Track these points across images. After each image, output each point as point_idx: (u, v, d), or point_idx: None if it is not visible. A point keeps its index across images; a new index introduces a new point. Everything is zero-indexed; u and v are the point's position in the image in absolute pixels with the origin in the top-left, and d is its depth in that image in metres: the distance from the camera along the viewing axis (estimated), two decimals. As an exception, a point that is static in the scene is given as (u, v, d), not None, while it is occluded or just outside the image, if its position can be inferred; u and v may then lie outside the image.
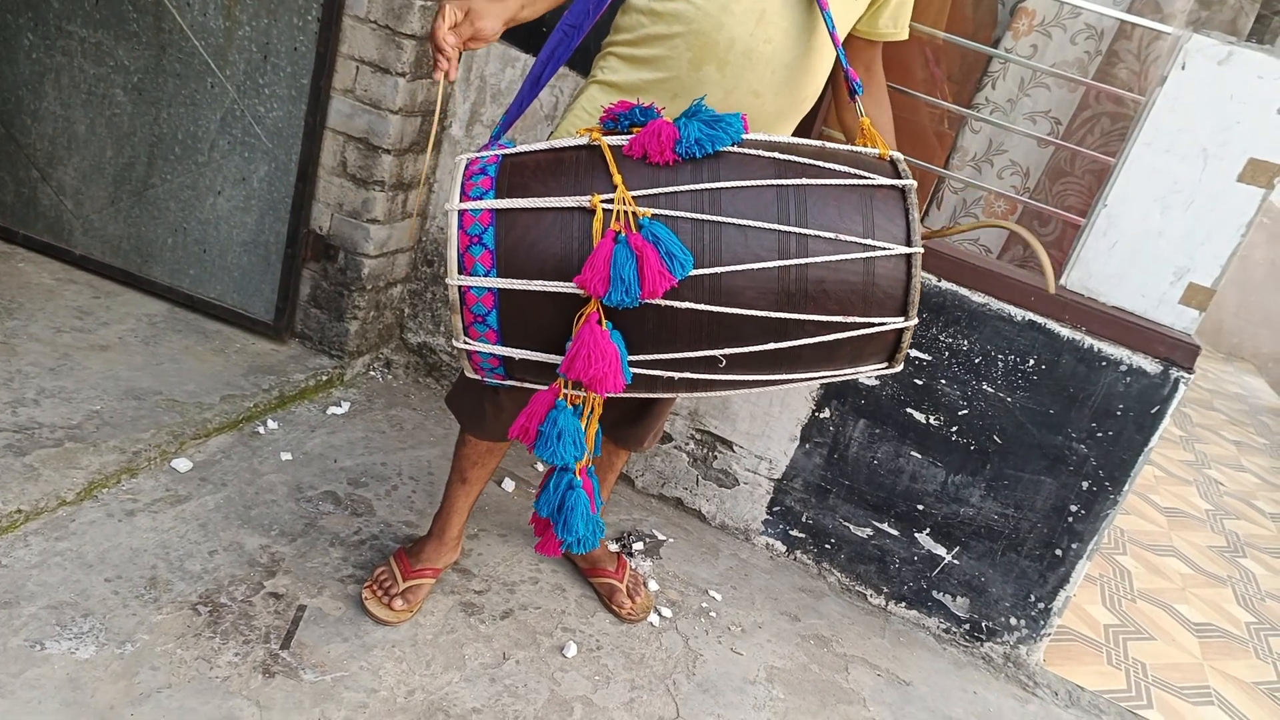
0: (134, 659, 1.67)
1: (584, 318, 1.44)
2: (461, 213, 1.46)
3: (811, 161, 1.51)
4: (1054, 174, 2.39)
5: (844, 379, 1.64)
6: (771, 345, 1.51)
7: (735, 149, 1.50)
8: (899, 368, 1.60)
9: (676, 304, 1.45)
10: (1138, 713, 2.40)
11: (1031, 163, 2.41)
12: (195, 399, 2.36)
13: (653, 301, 1.43)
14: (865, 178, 1.51)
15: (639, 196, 1.45)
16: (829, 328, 1.50)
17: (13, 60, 2.69)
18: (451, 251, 1.46)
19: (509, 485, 2.53)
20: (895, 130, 1.88)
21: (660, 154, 1.48)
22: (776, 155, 1.51)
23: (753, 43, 1.64)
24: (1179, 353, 2.16)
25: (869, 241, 1.47)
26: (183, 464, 2.18)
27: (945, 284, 2.28)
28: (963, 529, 2.41)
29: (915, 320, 1.51)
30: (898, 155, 1.58)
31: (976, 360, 2.30)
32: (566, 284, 1.44)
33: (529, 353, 1.52)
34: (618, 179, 1.46)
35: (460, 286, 1.46)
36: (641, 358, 1.50)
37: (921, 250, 1.49)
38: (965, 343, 2.30)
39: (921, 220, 1.87)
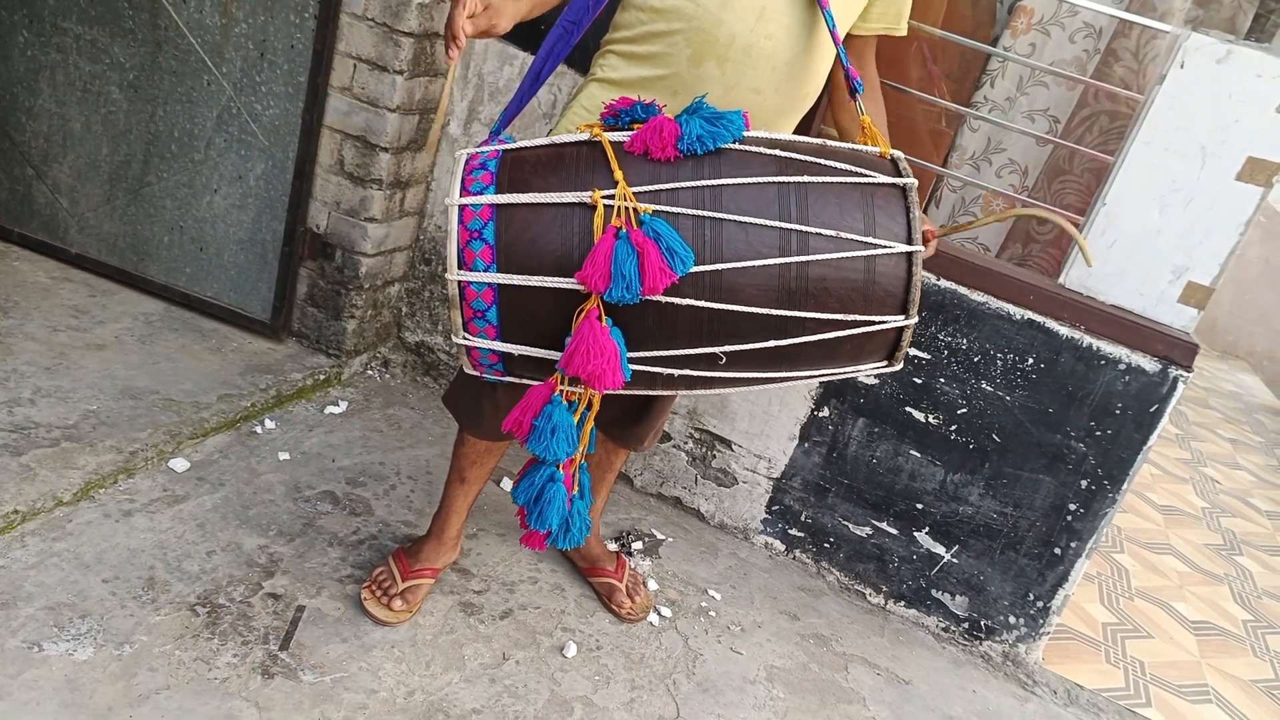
0: (132, 660, 1.66)
1: (584, 313, 1.44)
2: (461, 207, 1.46)
3: (812, 159, 1.51)
4: (1052, 172, 2.39)
5: (844, 377, 1.64)
6: (772, 343, 1.51)
7: (736, 146, 1.50)
8: (899, 366, 1.60)
9: (677, 300, 1.45)
10: (1137, 711, 2.40)
11: (1030, 161, 2.41)
12: (192, 398, 2.35)
13: (653, 298, 1.42)
14: (866, 176, 1.51)
15: (640, 192, 1.45)
16: (829, 325, 1.50)
17: (7, 57, 2.67)
18: (451, 246, 1.45)
19: (507, 484, 2.52)
20: (892, 128, 1.88)
21: (662, 150, 1.47)
22: (777, 153, 1.50)
23: (753, 39, 1.64)
24: (1178, 351, 2.16)
25: (870, 239, 1.47)
26: (180, 464, 2.17)
27: (944, 282, 2.28)
28: (962, 527, 2.41)
29: (916, 318, 1.51)
30: (898, 154, 1.58)
31: (975, 359, 2.30)
32: (567, 280, 1.44)
33: (528, 349, 1.52)
34: (619, 175, 1.46)
35: (460, 281, 1.46)
36: (641, 355, 1.50)
37: (922, 249, 1.49)
38: (964, 341, 2.30)
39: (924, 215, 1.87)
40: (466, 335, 1.51)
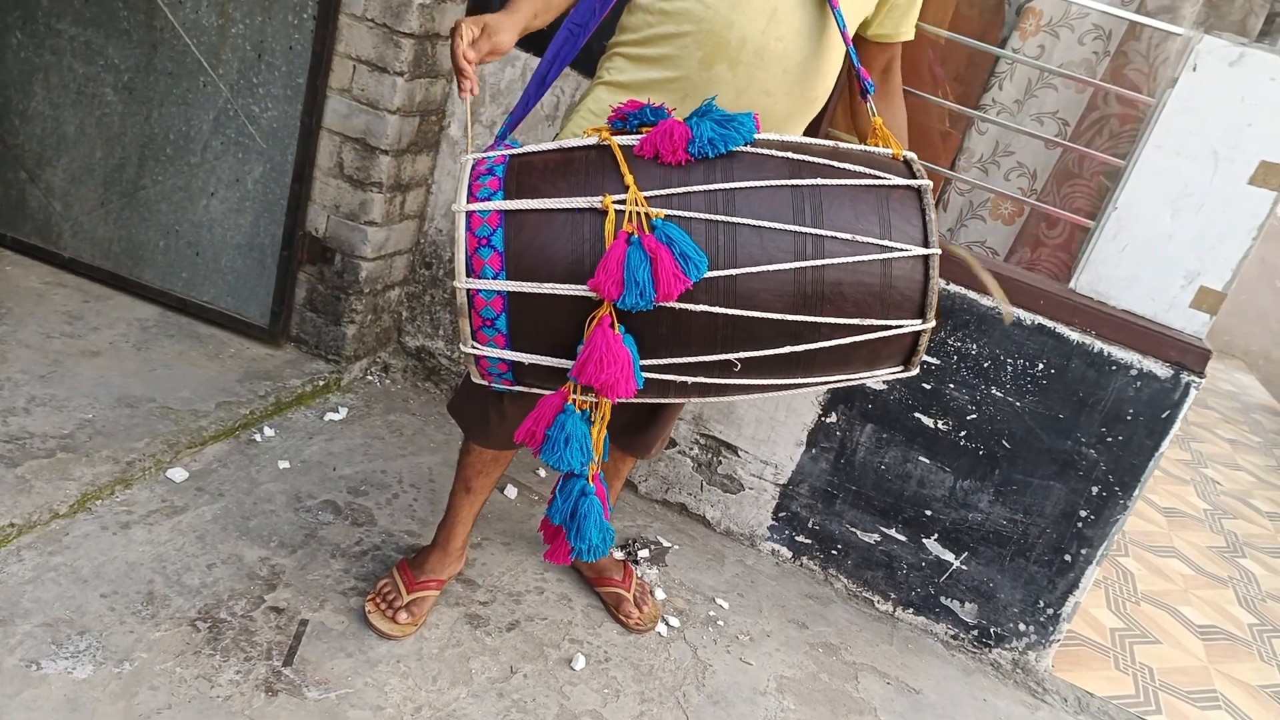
0: (133, 678, 1.63)
1: (596, 321, 1.41)
2: (469, 214, 1.42)
3: (826, 161, 1.48)
4: (1061, 176, 2.37)
5: (858, 383, 1.61)
6: (787, 349, 1.48)
7: (748, 149, 1.48)
8: (915, 371, 1.57)
9: (691, 307, 1.42)
10: (1147, 718, 2.38)
11: (1039, 164, 2.39)
12: (190, 406, 2.31)
13: (666, 305, 1.40)
14: (880, 178, 1.49)
15: (651, 197, 1.42)
16: (845, 330, 1.47)
17: (1, 59, 2.63)
18: (459, 254, 1.42)
19: (511, 492, 2.49)
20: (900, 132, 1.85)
21: (672, 154, 1.44)
22: (790, 155, 1.48)
23: (764, 41, 1.61)
24: (1190, 357, 2.14)
25: (886, 243, 1.45)
26: (178, 474, 2.13)
27: (954, 287, 2.25)
28: (971, 534, 2.39)
29: (933, 322, 1.48)
30: (911, 155, 1.56)
31: (985, 364, 2.28)
32: (578, 286, 1.40)
33: (539, 357, 1.49)
34: (629, 179, 1.43)
35: (468, 290, 1.42)
36: (654, 362, 1.47)
37: (939, 251, 1.47)
38: (974, 347, 2.27)
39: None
40: (475, 344, 1.48)
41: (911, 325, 1.49)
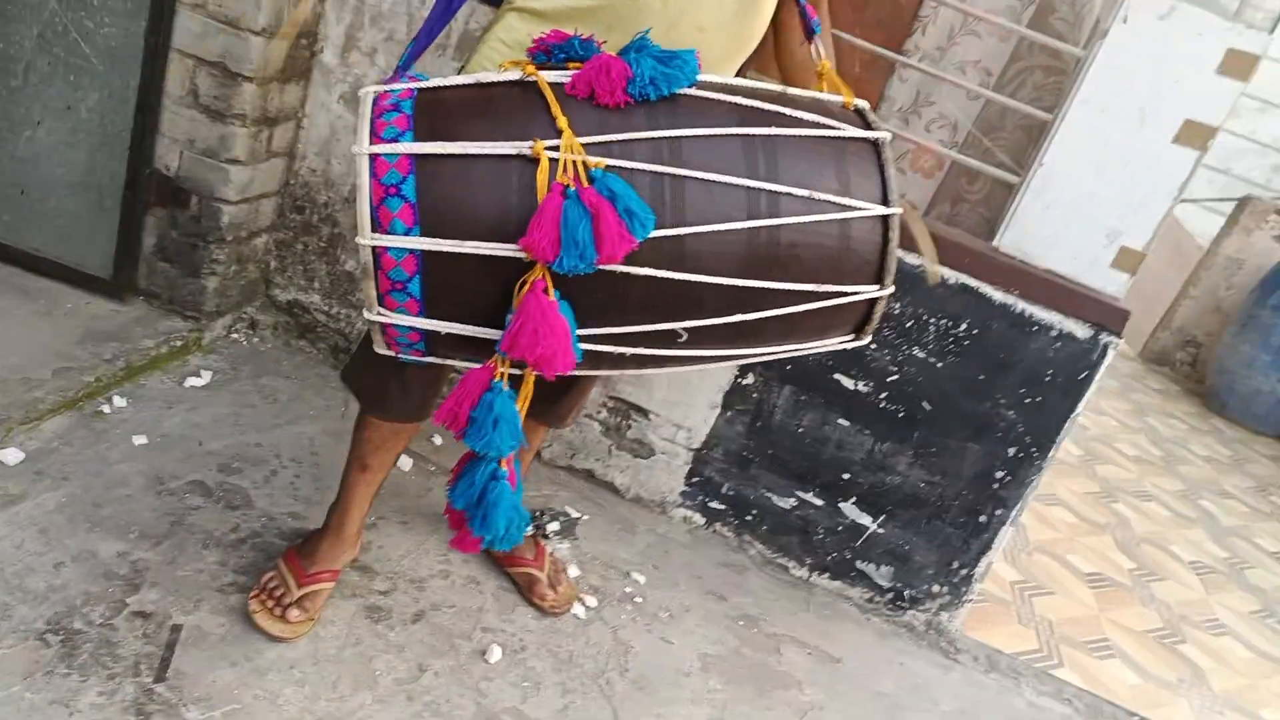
0: (-32, 712, 1.35)
1: (528, 286, 1.21)
2: (374, 157, 1.19)
3: (777, 109, 1.33)
4: (984, 128, 2.29)
5: (808, 353, 1.48)
6: (736, 317, 1.34)
7: (692, 91, 1.30)
8: (867, 339, 1.46)
9: (632, 270, 1.24)
10: (1052, 673, 2.41)
11: (961, 115, 2.31)
12: (20, 374, 1.96)
13: (604, 267, 1.21)
14: (836, 128, 1.34)
15: (589, 144, 1.23)
16: (799, 297, 1.34)
17: None
18: (363, 205, 1.19)
19: (406, 463, 2.26)
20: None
21: (610, 95, 1.25)
22: (739, 100, 1.31)
23: None
24: (1110, 317, 2.12)
25: (845, 201, 1.31)
26: (11, 455, 1.80)
27: (879, 243, 2.15)
28: (888, 497, 2.33)
29: (891, 289, 1.36)
30: (863, 104, 1.42)
31: (908, 324, 2.20)
32: (506, 245, 1.20)
33: (459, 326, 1.28)
34: (563, 123, 1.23)
35: (374, 247, 1.20)
36: (589, 332, 1.29)
37: (900, 211, 1.34)
38: (897, 306, 2.19)
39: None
40: (383, 310, 1.26)
41: (868, 291, 1.37)
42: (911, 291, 2.17)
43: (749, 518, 2.43)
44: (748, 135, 1.29)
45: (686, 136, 1.27)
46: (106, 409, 2.03)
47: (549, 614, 1.97)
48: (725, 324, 1.33)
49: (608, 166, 1.22)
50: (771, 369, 2.29)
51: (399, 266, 1.21)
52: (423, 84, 1.28)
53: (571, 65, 1.32)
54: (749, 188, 1.27)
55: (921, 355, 2.21)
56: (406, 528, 2.06)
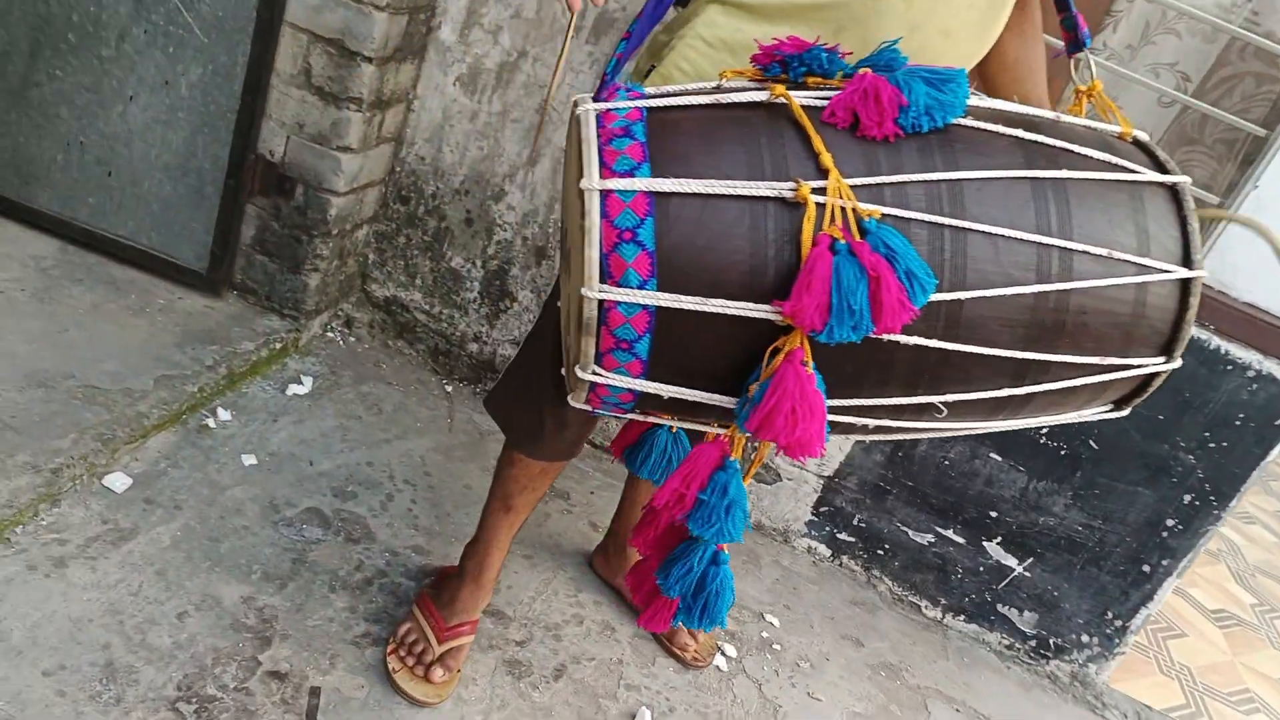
0: (103, 805, 1.18)
1: (784, 356, 1.01)
2: (605, 194, 0.99)
3: (1063, 144, 1.11)
4: (1177, 140, 2.07)
5: (1059, 424, 1.29)
6: (1005, 391, 1.14)
7: (965, 121, 1.09)
8: (1126, 412, 1.26)
9: (899, 339, 1.05)
10: (1201, 731, 2.25)
11: (1151, 124, 2.09)
12: (121, 384, 1.78)
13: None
14: (1131, 170, 1.13)
15: (857, 187, 1.02)
16: (1078, 370, 1.14)
17: None
18: (593, 251, 0.99)
19: (520, 486, 2.08)
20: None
21: (879, 126, 1.03)
22: (1019, 133, 1.10)
23: None
24: (1314, 358, 1.92)
25: (1145, 261, 1.09)
26: (119, 480, 1.62)
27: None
28: (1039, 539, 2.15)
29: (1179, 362, 1.16)
30: (1143, 135, 1.21)
31: (1082, 355, 2.00)
32: (759, 306, 1.00)
33: (685, 390, 1.09)
34: (827, 159, 1.02)
35: (602, 301, 1.00)
36: (836, 403, 1.10)
37: (1205, 274, 1.14)
38: (1072, 335, 1.99)
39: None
40: (598, 370, 1.06)
41: (1154, 364, 1.16)
42: (1088, 321, 1.97)
43: (880, 552, 2.25)
44: (1036, 179, 1.09)
45: (969, 180, 1.07)
46: (211, 423, 1.85)
47: (690, 667, 1.80)
48: (992, 399, 1.14)
49: (883, 216, 1.02)
50: (922, 397, 2.10)
51: (628, 324, 1.01)
52: (648, 101, 1.08)
53: (813, 82, 1.12)
54: (1039, 244, 1.07)
55: (1093, 390, 2.01)
56: (531, 563, 1.88)
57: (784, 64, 1.13)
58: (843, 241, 0.98)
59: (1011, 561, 2.18)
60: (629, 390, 1.10)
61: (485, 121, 2.13)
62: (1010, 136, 1.10)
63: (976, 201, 1.06)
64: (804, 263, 0.98)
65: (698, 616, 1.16)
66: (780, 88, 1.09)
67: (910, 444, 2.14)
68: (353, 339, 2.33)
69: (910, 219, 1.03)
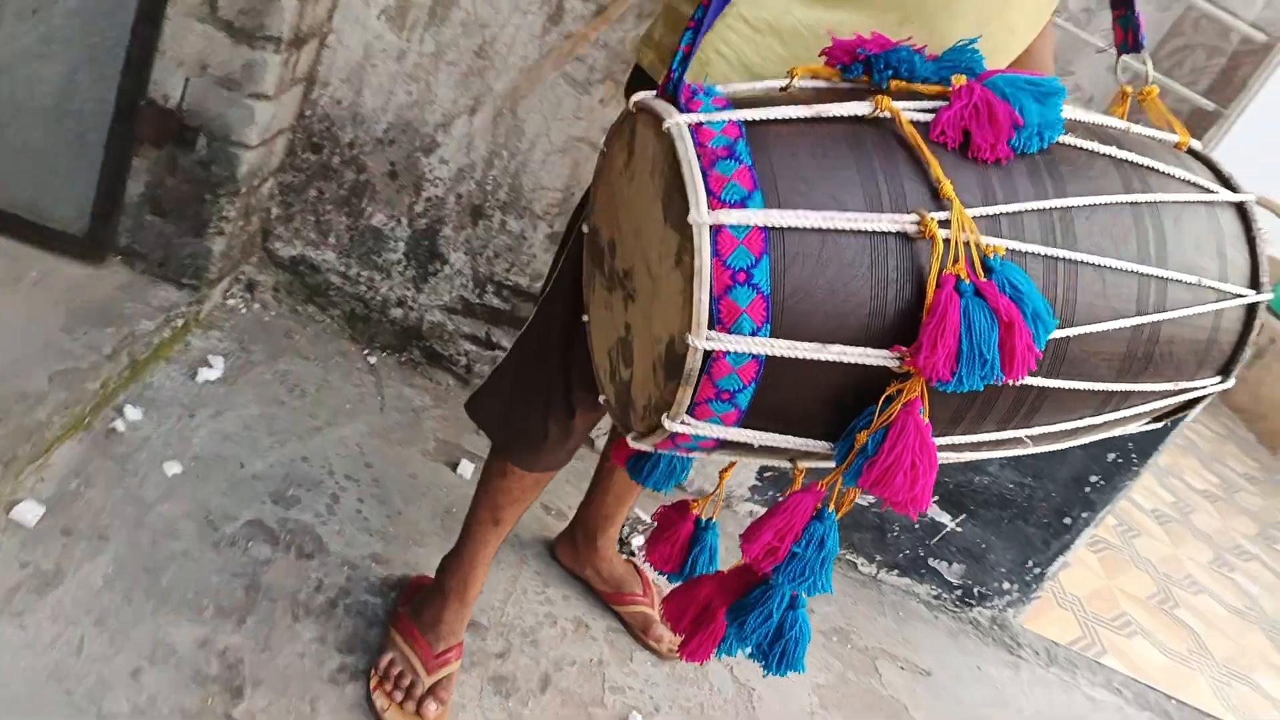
0: None
1: (902, 406, 0.93)
2: (717, 230, 0.87)
3: (1148, 162, 1.07)
4: (1128, 108, 2.09)
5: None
6: (1086, 421, 1.12)
7: (1064, 139, 1.03)
8: (1161, 424, 1.27)
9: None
10: (1100, 661, 2.43)
11: (1102, 89, 2.09)
12: (11, 385, 1.49)
13: None
14: (1208, 189, 1.11)
15: (978, 218, 0.95)
16: (1153, 396, 1.13)
17: None
18: (703, 295, 0.87)
19: (466, 469, 1.93)
20: None
21: (992, 148, 0.95)
22: (1114, 151, 1.05)
23: None
24: (1234, 328, 2.02)
25: (1224, 287, 1.08)
26: (29, 511, 1.38)
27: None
28: (973, 497, 2.21)
29: (1233, 381, 1.17)
30: (1197, 144, 1.18)
31: (1029, 324, 2.03)
32: (879, 352, 0.92)
33: (777, 438, 1.00)
34: (948, 188, 0.93)
35: (708, 351, 0.89)
36: (937, 441, 1.04)
37: (1271, 295, 1.14)
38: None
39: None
40: (688, 419, 0.95)
41: (1212, 386, 1.17)
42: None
43: (822, 513, 2.26)
44: (1134, 204, 1.04)
45: (1078, 207, 1.00)
46: (120, 425, 1.60)
47: (666, 659, 1.76)
48: (1073, 428, 1.12)
49: (1006, 252, 0.94)
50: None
51: (735, 374, 0.90)
52: (746, 113, 0.94)
53: (899, 86, 1.01)
54: (1140, 274, 1.03)
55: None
56: (496, 564, 1.76)
57: (867, 64, 1.01)
58: (968, 282, 0.90)
59: (945, 518, 2.25)
60: (715, 438, 1.00)
61: (415, 63, 1.89)
62: (1106, 156, 1.04)
63: (1086, 231, 1.00)
64: (930, 307, 0.89)
65: (775, 664, 1.09)
66: (887, 100, 0.97)
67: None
68: (257, 305, 2.07)
69: (1027, 252, 0.96)
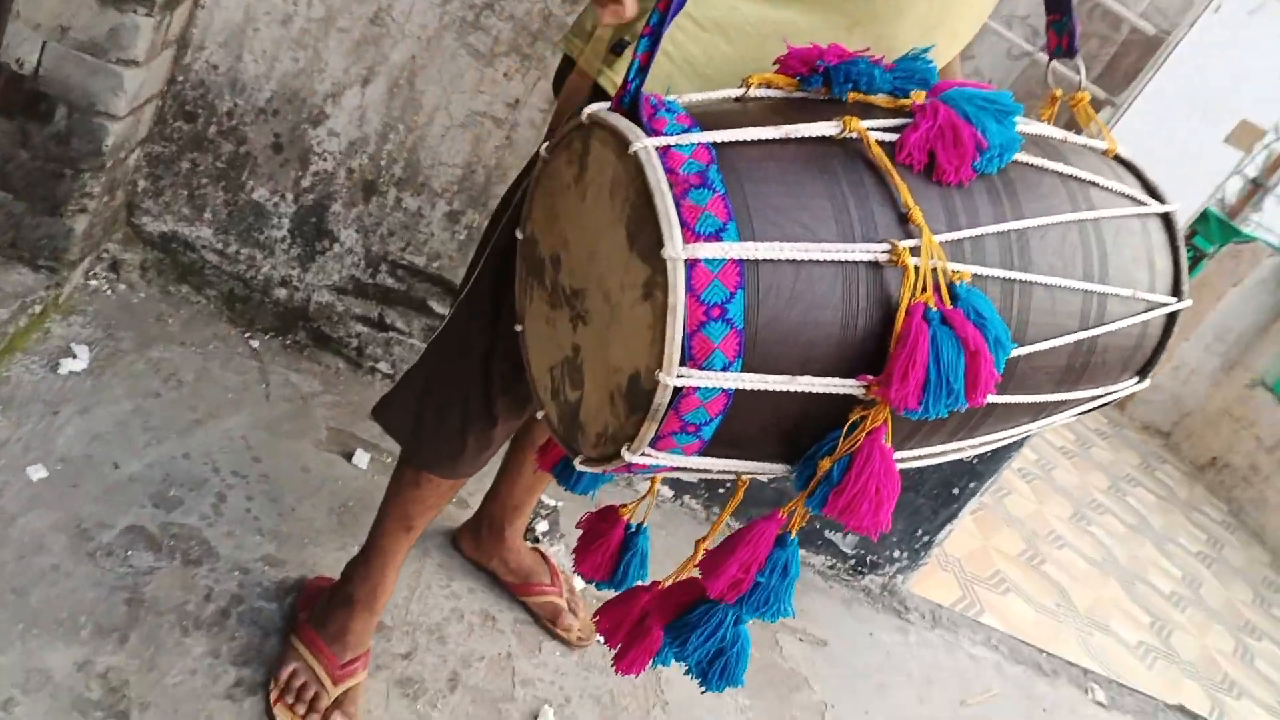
0: None
1: (867, 434, 0.92)
2: (691, 266, 0.84)
3: (1088, 176, 1.08)
4: (1023, 94, 2.13)
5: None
6: (1023, 428, 1.15)
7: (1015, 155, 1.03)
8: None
9: None
10: (980, 621, 2.54)
11: (999, 76, 2.12)
12: None
13: None
14: (1140, 201, 1.13)
15: (944, 243, 0.94)
16: (1083, 401, 1.17)
17: None
18: (675, 332, 0.84)
19: (362, 459, 1.85)
20: None
21: (957, 170, 0.95)
22: (1060, 168, 1.06)
23: None
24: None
25: (1153, 297, 1.12)
26: (-128, 531, 1.24)
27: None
28: (868, 471, 2.27)
29: (1148, 382, 1.22)
30: (1125, 153, 1.21)
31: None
32: (845, 382, 0.91)
33: (737, 464, 0.99)
34: (918, 215, 0.92)
35: (678, 387, 0.86)
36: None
37: (1190, 303, 1.18)
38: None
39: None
40: (648, 452, 0.92)
41: (1128, 387, 1.21)
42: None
43: (721, 490, 2.28)
44: (1082, 221, 1.05)
45: (1032, 228, 1.01)
46: (-25, 427, 1.46)
47: (575, 648, 1.74)
48: (1011, 435, 1.14)
49: (973, 277, 0.94)
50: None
51: (702, 408, 0.87)
52: (714, 135, 0.89)
53: (858, 99, 0.99)
54: (1084, 290, 1.04)
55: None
56: (397, 554, 1.70)
57: (826, 77, 0.99)
58: (935, 310, 0.89)
59: (840, 492, 2.29)
60: (674, 466, 0.97)
61: (302, 28, 1.76)
62: (1054, 173, 1.05)
63: (1040, 251, 1.01)
64: (899, 336, 0.88)
65: (715, 679, 1.08)
66: (855, 121, 0.94)
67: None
68: (124, 286, 1.91)
69: (988, 276, 0.96)
